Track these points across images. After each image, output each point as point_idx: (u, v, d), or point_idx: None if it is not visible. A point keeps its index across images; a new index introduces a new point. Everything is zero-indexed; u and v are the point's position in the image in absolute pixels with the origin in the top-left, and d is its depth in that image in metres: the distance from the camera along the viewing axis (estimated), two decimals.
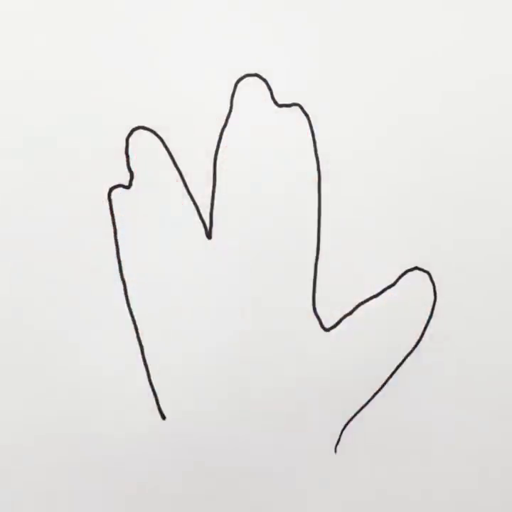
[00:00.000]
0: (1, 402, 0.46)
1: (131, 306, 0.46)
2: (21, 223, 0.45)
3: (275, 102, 0.47)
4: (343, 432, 0.47)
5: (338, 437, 0.47)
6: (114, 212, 0.45)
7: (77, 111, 0.45)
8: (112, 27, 0.45)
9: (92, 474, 0.46)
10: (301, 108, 0.47)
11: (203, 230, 0.46)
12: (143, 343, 0.45)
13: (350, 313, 0.47)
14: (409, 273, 0.47)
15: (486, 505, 0.49)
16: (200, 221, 0.46)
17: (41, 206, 0.45)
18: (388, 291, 0.47)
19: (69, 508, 0.46)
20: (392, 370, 0.47)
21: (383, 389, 0.47)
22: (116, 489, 0.47)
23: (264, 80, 0.47)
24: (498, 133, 0.48)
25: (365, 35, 0.47)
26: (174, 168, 0.46)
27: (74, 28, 0.45)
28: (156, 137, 0.45)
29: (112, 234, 0.45)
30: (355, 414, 0.48)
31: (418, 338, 0.47)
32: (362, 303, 0.47)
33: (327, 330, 0.47)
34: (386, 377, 0.47)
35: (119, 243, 0.45)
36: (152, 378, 0.45)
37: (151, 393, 0.46)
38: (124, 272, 0.46)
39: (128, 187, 0.45)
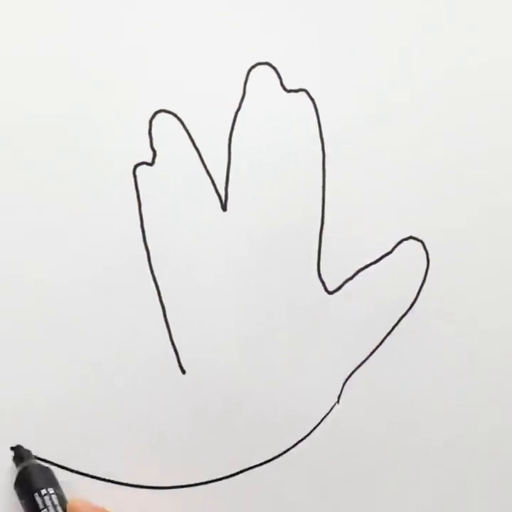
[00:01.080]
0: (39, 356, 0.46)
1: (154, 271, 0.47)
2: (58, 196, 0.46)
3: (284, 88, 0.48)
4: (345, 385, 0.49)
5: (340, 389, 0.49)
6: (139, 187, 0.47)
7: (106, 96, 0.46)
8: (135, 15, 0.47)
9: (119, 424, 0.47)
10: (307, 93, 0.49)
11: (218, 203, 0.48)
12: (165, 305, 0.47)
13: (351, 277, 0.49)
14: (405, 242, 0.49)
15: (481, 453, 0.51)
16: (216, 195, 0.48)
17: (74, 181, 0.46)
18: (386, 258, 0.49)
19: (94, 454, 0.47)
20: (389, 328, 0.49)
21: (381, 345, 0.49)
22: (140, 438, 0.47)
23: (274, 68, 0.48)
24: (493, 114, 0.50)
25: (363, 30, 0.49)
26: (193, 147, 0.47)
27: (100, 13, 0.46)
28: (176, 119, 0.47)
29: (137, 206, 0.47)
30: (356, 368, 0.49)
31: (413, 300, 0.49)
32: (362, 269, 0.49)
33: (330, 293, 0.49)
34: (384, 335, 0.49)
35: (143, 215, 0.47)
36: (173, 337, 0.47)
37: (173, 350, 0.47)
38: (148, 240, 0.47)
39: (151, 164, 0.47)
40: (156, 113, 0.47)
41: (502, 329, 0.51)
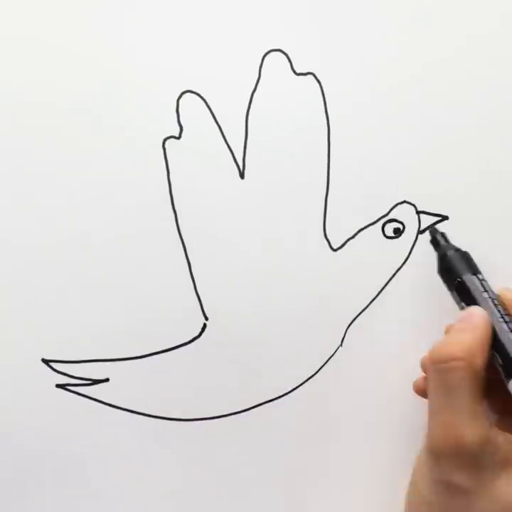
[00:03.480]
0: (74, 315, 0.49)
1: (181, 231, 0.49)
2: (98, 165, 0.49)
3: (294, 72, 0.50)
4: (348, 330, 0.51)
5: (343, 334, 0.51)
6: (167, 158, 0.49)
7: (141, 79, 0.49)
8: (166, 5, 0.49)
9: (146, 371, 0.50)
10: (315, 76, 0.50)
11: (237, 171, 0.50)
12: (190, 261, 0.49)
13: (353, 237, 0.50)
14: (399, 205, 0.51)
15: None
16: (235, 165, 0.50)
17: (112, 153, 0.49)
18: (382, 219, 0.51)
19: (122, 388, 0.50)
20: (387, 279, 0.51)
21: (380, 294, 0.51)
22: (164, 384, 0.50)
23: (285, 54, 0.50)
24: (493, 91, 0.51)
25: (365, 21, 0.51)
26: (214, 123, 0.50)
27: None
28: (200, 99, 0.49)
29: (166, 174, 0.49)
30: (357, 315, 0.51)
31: (406, 255, 0.51)
32: (362, 229, 0.51)
33: (335, 250, 0.50)
34: (381, 287, 0.51)
35: (171, 181, 0.49)
36: (197, 289, 0.50)
37: (197, 301, 0.50)
38: (175, 204, 0.49)
39: (178, 138, 0.49)
40: (182, 93, 0.49)
41: (494, 275, 0.50)
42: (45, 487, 0.50)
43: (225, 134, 0.50)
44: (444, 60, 0.51)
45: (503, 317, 0.44)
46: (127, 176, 0.49)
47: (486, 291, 0.46)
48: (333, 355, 0.51)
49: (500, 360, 0.44)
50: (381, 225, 0.51)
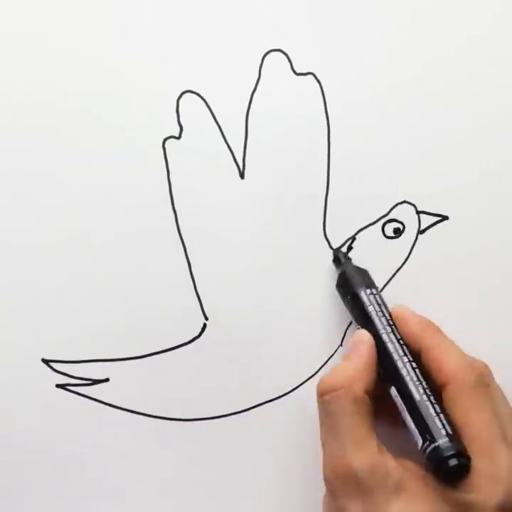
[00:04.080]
0: (75, 316, 0.49)
1: (181, 231, 0.49)
2: (97, 165, 0.49)
3: (294, 72, 0.50)
4: (347, 330, 0.50)
5: (343, 334, 0.50)
6: (167, 158, 0.49)
7: (141, 79, 0.49)
8: (166, 6, 0.49)
9: (146, 371, 0.49)
10: (314, 76, 0.50)
11: (237, 171, 0.50)
12: (190, 261, 0.49)
13: (353, 236, 0.51)
14: (399, 205, 0.51)
15: None
16: (235, 165, 0.50)
17: (112, 153, 0.49)
18: (382, 219, 0.51)
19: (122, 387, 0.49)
20: (386, 281, 0.51)
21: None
22: (164, 384, 0.50)
23: (285, 54, 0.50)
24: (492, 91, 0.51)
25: (364, 20, 0.51)
26: (214, 123, 0.49)
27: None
28: (200, 99, 0.49)
29: (166, 174, 0.49)
30: None
31: (406, 255, 0.51)
32: (362, 229, 0.51)
33: (335, 250, 0.50)
34: (381, 287, 0.50)
35: (171, 181, 0.49)
36: (197, 289, 0.50)
37: (197, 300, 0.50)
38: (175, 204, 0.49)
39: (178, 138, 0.49)
40: (182, 93, 0.49)
41: (494, 275, 0.51)
42: (45, 487, 0.50)
43: (225, 134, 0.50)
44: (444, 60, 0.51)
45: (391, 333, 0.46)
46: (127, 176, 0.49)
47: (378, 304, 0.47)
48: (333, 355, 0.51)
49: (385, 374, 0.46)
50: (381, 225, 0.51)
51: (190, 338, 0.50)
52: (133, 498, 0.51)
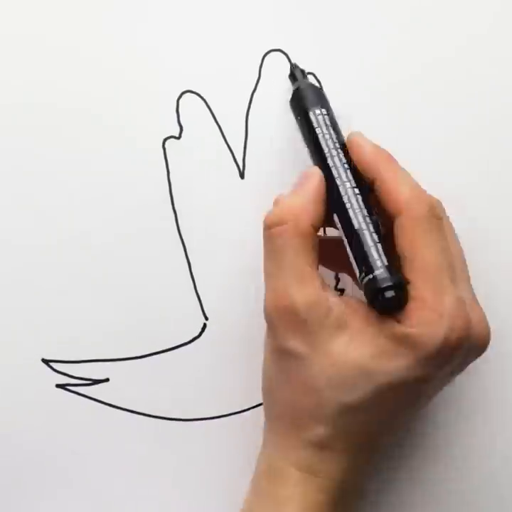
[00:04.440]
0: (73, 314, 0.49)
1: (181, 231, 0.49)
2: (98, 165, 0.49)
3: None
4: None
5: None
6: (167, 158, 0.49)
7: (141, 79, 0.49)
8: (167, 7, 0.49)
9: (146, 371, 0.50)
10: (315, 76, 0.50)
11: (237, 171, 0.50)
12: (190, 261, 0.50)
13: None
14: None
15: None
16: (235, 165, 0.50)
17: (112, 153, 0.49)
18: None
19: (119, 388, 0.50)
20: None
21: None
22: (164, 384, 0.50)
23: (285, 54, 0.50)
24: (492, 90, 0.51)
25: (364, 20, 0.50)
26: (215, 123, 0.50)
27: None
28: (200, 99, 0.49)
29: (166, 175, 0.49)
30: None
31: None
32: None
33: None
34: None
35: (171, 181, 0.49)
36: (197, 288, 0.50)
37: (197, 300, 0.50)
38: (175, 204, 0.49)
39: (178, 138, 0.49)
40: (182, 93, 0.49)
41: (493, 274, 0.51)
42: (45, 487, 0.50)
43: (225, 134, 0.50)
44: (444, 60, 0.51)
45: (336, 157, 0.44)
46: (127, 176, 0.50)
47: (326, 126, 0.45)
48: None
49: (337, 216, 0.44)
50: None
51: (190, 338, 0.50)
52: (133, 498, 0.51)
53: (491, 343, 0.44)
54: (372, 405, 0.42)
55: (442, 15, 0.51)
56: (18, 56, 0.49)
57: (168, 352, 0.50)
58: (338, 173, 0.44)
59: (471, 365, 0.45)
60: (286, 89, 0.50)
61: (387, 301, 0.41)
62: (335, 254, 0.45)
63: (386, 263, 0.41)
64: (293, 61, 0.49)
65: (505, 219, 0.52)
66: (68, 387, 0.50)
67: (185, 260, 0.50)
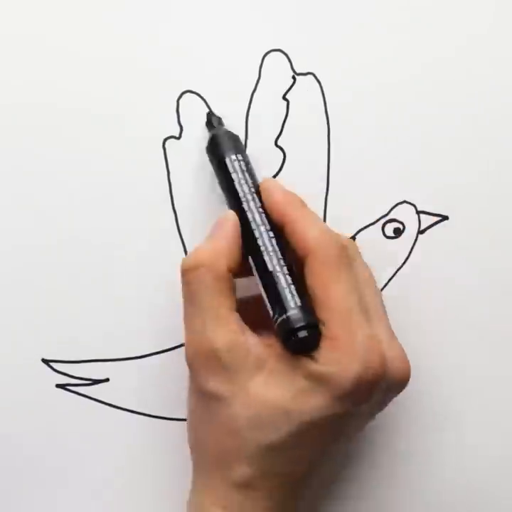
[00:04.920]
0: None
1: (181, 230, 0.49)
2: (98, 165, 0.49)
3: (294, 71, 0.50)
4: None
5: None
6: (167, 157, 0.49)
7: (141, 79, 0.49)
8: (169, 8, 0.49)
9: (146, 371, 0.50)
10: (314, 76, 0.50)
11: None
12: None
13: (353, 237, 0.50)
14: (399, 205, 0.51)
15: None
16: None
17: (113, 153, 0.49)
18: (382, 219, 0.51)
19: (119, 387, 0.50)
20: (386, 281, 0.51)
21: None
22: (164, 384, 0.50)
23: (285, 54, 0.50)
24: (491, 91, 0.51)
25: (364, 20, 0.51)
26: None
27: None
28: (200, 99, 0.49)
29: (166, 175, 0.49)
30: None
31: (406, 255, 0.51)
32: (362, 229, 0.51)
33: None
34: (381, 287, 0.50)
35: (171, 182, 0.49)
36: None
37: None
38: (175, 203, 0.49)
39: (178, 138, 0.49)
40: (182, 93, 0.49)
41: (494, 275, 0.51)
42: (45, 487, 0.50)
43: None
44: (444, 60, 0.51)
45: (252, 202, 0.45)
46: (127, 176, 0.50)
47: (242, 172, 0.46)
48: None
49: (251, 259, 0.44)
50: (381, 225, 0.51)
51: None
52: (133, 498, 0.51)
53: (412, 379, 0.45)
54: (294, 444, 0.42)
55: (442, 15, 0.51)
56: (18, 56, 0.49)
57: (168, 352, 0.50)
58: (253, 217, 0.45)
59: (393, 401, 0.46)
60: (286, 88, 0.50)
61: (301, 341, 0.41)
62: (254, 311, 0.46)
63: (299, 304, 0.42)
64: (210, 111, 0.50)
65: (506, 219, 0.52)
66: (68, 387, 0.50)
67: None
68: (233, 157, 0.46)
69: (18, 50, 0.49)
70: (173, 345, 0.50)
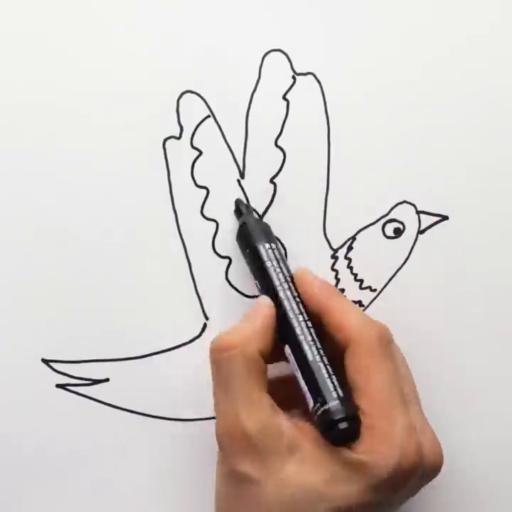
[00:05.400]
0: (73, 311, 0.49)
1: (181, 231, 0.49)
2: (99, 165, 0.49)
3: (294, 71, 0.50)
4: None
5: None
6: (168, 158, 0.49)
7: (142, 79, 0.49)
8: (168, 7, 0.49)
9: (146, 371, 0.50)
10: (315, 76, 0.50)
11: (237, 171, 0.50)
12: (190, 261, 0.50)
13: (353, 237, 0.51)
14: (399, 205, 0.51)
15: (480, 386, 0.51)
16: (235, 164, 0.50)
17: (113, 153, 0.49)
18: (382, 219, 0.51)
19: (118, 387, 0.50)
20: (386, 281, 0.51)
21: (379, 296, 0.51)
22: (164, 384, 0.50)
23: (285, 54, 0.50)
24: (490, 92, 0.51)
25: (364, 19, 0.51)
26: (215, 123, 0.50)
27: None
28: (200, 99, 0.50)
29: (166, 175, 0.49)
30: None
31: (406, 255, 0.51)
32: (362, 229, 0.51)
33: (335, 250, 0.50)
34: (382, 286, 0.51)
35: (171, 182, 0.49)
36: (197, 288, 0.50)
37: (197, 300, 0.50)
38: (175, 203, 0.49)
39: (178, 138, 0.49)
40: (182, 93, 0.50)
41: (494, 275, 0.51)
42: (45, 487, 0.50)
43: (225, 134, 0.50)
44: (444, 60, 0.51)
45: (288, 290, 0.45)
46: (127, 176, 0.50)
47: (276, 260, 0.46)
48: None
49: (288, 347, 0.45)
50: (381, 225, 0.51)
51: (190, 338, 0.50)
52: (133, 498, 0.51)
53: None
54: None
55: (442, 15, 0.51)
56: (18, 56, 0.49)
57: (168, 352, 0.50)
58: (291, 306, 0.45)
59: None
60: (287, 88, 0.50)
61: (341, 432, 0.41)
62: (282, 392, 0.46)
63: (341, 395, 0.42)
64: (238, 198, 0.50)
65: (505, 219, 0.52)
66: (68, 387, 0.50)
67: (186, 260, 0.50)
68: (267, 245, 0.47)
69: (18, 50, 0.49)
70: (173, 345, 0.50)
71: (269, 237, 0.47)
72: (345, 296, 0.47)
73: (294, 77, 0.51)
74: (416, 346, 0.50)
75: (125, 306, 0.50)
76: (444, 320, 0.51)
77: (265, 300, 0.46)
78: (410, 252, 0.51)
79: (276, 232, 0.50)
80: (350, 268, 0.51)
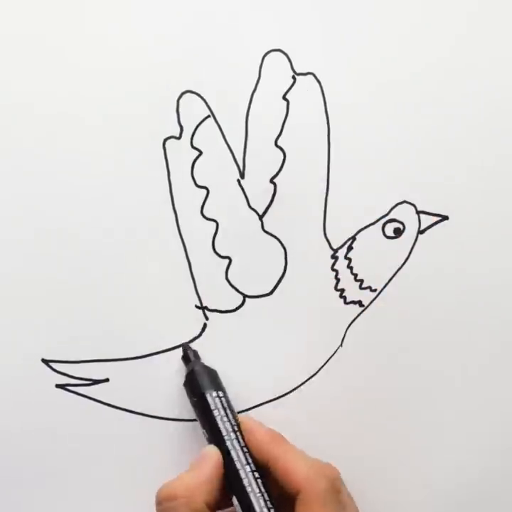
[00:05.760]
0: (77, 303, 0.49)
1: (181, 231, 0.50)
2: (101, 165, 0.49)
3: (294, 71, 0.50)
4: (348, 330, 0.51)
5: (343, 334, 0.51)
6: (168, 158, 0.50)
7: (142, 80, 0.49)
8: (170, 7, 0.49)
9: (146, 371, 0.50)
10: (315, 76, 0.50)
11: (237, 171, 0.50)
12: (190, 260, 0.50)
13: (353, 237, 0.51)
14: (399, 205, 0.51)
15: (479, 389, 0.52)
16: (235, 165, 0.50)
17: (114, 153, 0.49)
18: (382, 219, 0.51)
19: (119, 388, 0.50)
20: (386, 280, 0.51)
21: (379, 296, 0.51)
22: (164, 384, 0.50)
23: (285, 54, 0.50)
24: (489, 91, 0.51)
25: (364, 20, 0.51)
26: (215, 123, 0.50)
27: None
28: (200, 99, 0.50)
29: (166, 175, 0.49)
30: (357, 316, 0.51)
31: (406, 255, 0.51)
32: (362, 229, 0.51)
33: (335, 250, 0.51)
34: (382, 286, 0.51)
35: (171, 182, 0.50)
36: (197, 288, 0.50)
37: (197, 300, 0.50)
38: (175, 204, 0.49)
39: (178, 138, 0.50)
40: (182, 93, 0.50)
41: (494, 275, 0.52)
42: (45, 487, 0.50)
43: (225, 134, 0.50)
44: (444, 59, 0.51)
45: (235, 441, 0.45)
46: (127, 176, 0.50)
47: (223, 409, 0.46)
48: (333, 355, 0.51)
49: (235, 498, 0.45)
50: (381, 225, 0.51)
51: (190, 338, 0.50)
52: (133, 498, 0.51)
53: None
54: None
55: (442, 15, 0.51)
56: (18, 56, 0.49)
57: (168, 352, 0.50)
58: (238, 456, 0.45)
59: None
60: (287, 88, 0.50)
61: None
62: None
63: None
64: (184, 343, 0.50)
65: (505, 219, 0.52)
66: (68, 387, 0.50)
67: (186, 260, 0.50)
68: (214, 393, 0.47)
69: (18, 50, 0.49)
70: (173, 345, 0.50)
71: (217, 384, 0.48)
72: (291, 444, 0.47)
73: (294, 77, 0.51)
74: (416, 346, 0.51)
75: (125, 306, 0.50)
76: (444, 320, 0.51)
77: (212, 449, 0.46)
78: (410, 252, 0.51)
79: (276, 232, 0.50)
80: (350, 268, 0.51)
